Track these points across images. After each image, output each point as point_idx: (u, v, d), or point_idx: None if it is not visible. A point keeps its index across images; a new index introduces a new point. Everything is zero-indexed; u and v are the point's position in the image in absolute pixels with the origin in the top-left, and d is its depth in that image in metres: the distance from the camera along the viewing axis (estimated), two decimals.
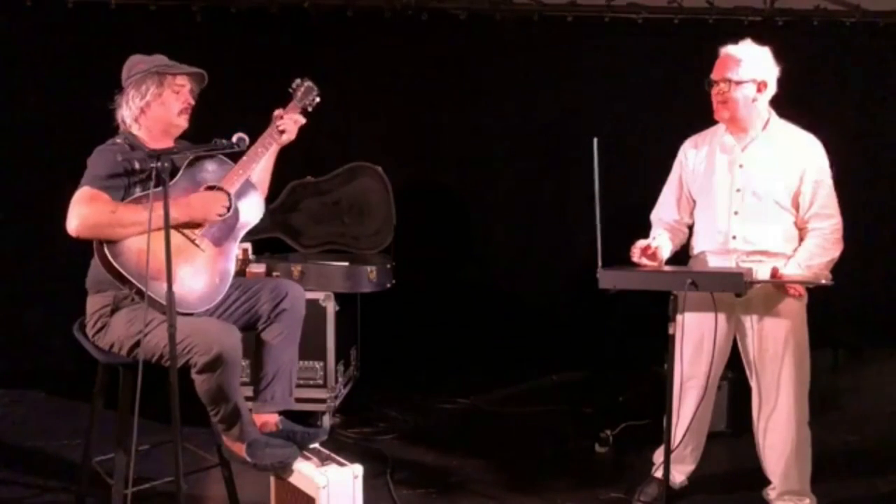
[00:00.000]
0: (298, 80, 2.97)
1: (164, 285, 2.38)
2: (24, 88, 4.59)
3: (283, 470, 2.65)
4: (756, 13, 4.84)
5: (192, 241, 2.64)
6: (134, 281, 2.49)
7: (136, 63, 2.76)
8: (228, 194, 2.72)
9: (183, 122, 2.78)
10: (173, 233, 2.47)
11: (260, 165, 2.85)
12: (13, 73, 4.58)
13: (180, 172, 2.70)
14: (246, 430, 2.63)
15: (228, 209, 2.72)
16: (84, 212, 2.51)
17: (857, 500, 3.13)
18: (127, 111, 2.75)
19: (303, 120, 2.92)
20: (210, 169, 2.77)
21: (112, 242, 2.51)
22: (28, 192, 4.50)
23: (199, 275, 2.62)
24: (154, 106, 2.72)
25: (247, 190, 2.81)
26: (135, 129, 2.76)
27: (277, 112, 2.89)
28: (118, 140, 2.71)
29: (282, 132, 2.87)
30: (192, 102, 2.79)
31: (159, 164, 2.39)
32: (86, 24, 4.58)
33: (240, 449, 2.64)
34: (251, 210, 2.82)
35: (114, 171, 2.59)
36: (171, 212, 2.44)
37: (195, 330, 2.51)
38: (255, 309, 2.76)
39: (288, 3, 4.70)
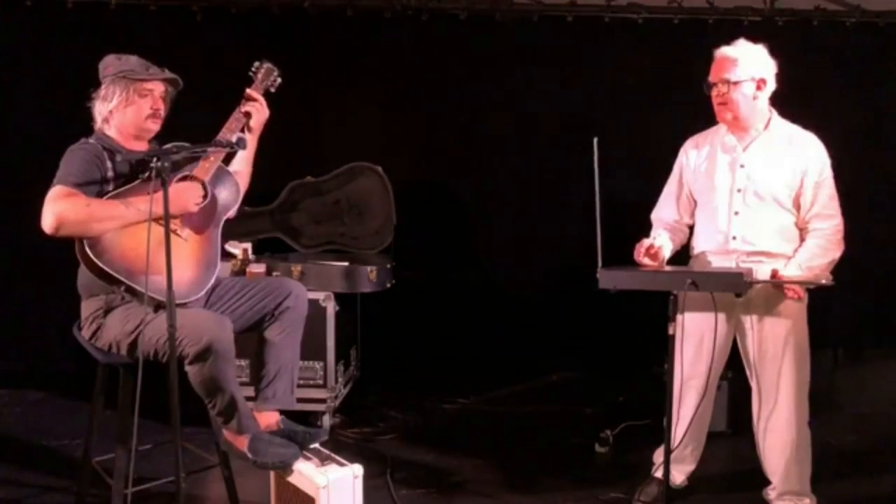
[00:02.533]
0: (258, 63, 2.98)
1: (154, 278, 2.39)
2: (23, 88, 4.59)
3: (283, 469, 2.65)
4: (756, 13, 4.84)
5: (174, 232, 2.61)
6: (122, 278, 2.48)
7: (108, 64, 2.74)
8: (203, 183, 2.71)
9: (152, 126, 2.76)
10: (153, 226, 2.45)
11: (239, 156, 2.88)
12: (13, 73, 4.58)
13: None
14: (245, 423, 2.62)
15: (205, 197, 2.72)
16: (58, 208, 2.49)
17: (857, 500, 3.13)
18: (98, 110, 2.74)
19: (264, 105, 2.90)
20: (182, 163, 2.76)
21: (93, 242, 2.49)
22: (27, 191, 4.48)
23: (185, 265, 2.60)
24: (121, 111, 2.71)
25: (221, 175, 2.81)
26: (107, 130, 2.74)
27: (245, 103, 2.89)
28: (91, 140, 2.70)
29: (247, 114, 2.86)
30: (162, 106, 2.77)
31: (159, 163, 2.38)
32: (86, 24, 4.57)
33: (241, 443, 2.62)
34: (228, 194, 2.82)
35: (87, 171, 2.58)
36: (148, 206, 2.43)
37: (186, 321, 2.49)
38: (259, 307, 2.76)
39: (288, 3, 4.70)
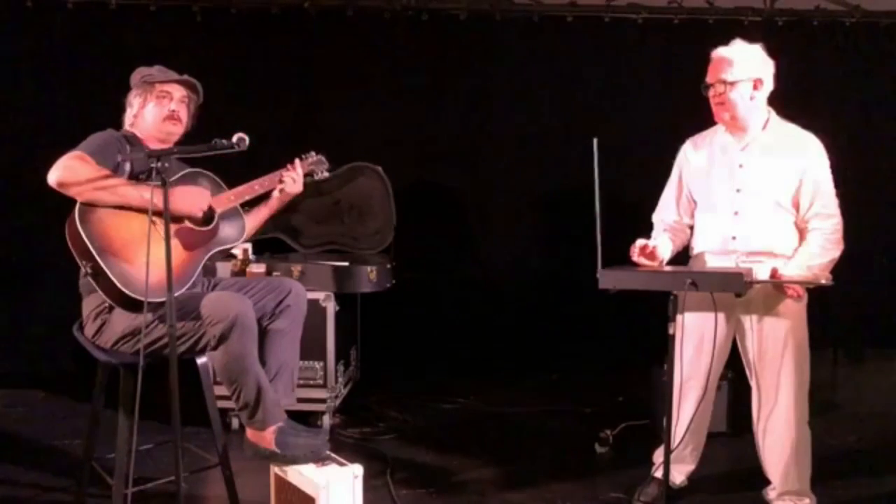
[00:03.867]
0: (313, 153, 3.12)
1: (124, 265, 2.48)
2: (24, 88, 4.59)
3: (315, 460, 2.62)
4: (756, 13, 4.85)
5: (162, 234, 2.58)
6: (92, 251, 2.48)
7: (135, 74, 2.84)
8: (213, 209, 2.74)
9: (171, 128, 2.80)
10: (142, 219, 2.49)
11: (261, 215, 2.99)
12: (13, 73, 4.58)
13: (176, 177, 2.71)
14: (271, 413, 2.60)
15: (210, 221, 2.74)
16: (69, 164, 2.54)
17: (857, 500, 3.12)
18: (126, 117, 2.83)
19: (300, 181, 3.00)
20: (204, 185, 2.79)
21: (85, 210, 2.52)
22: (27, 191, 4.49)
23: (159, 268, 2.50)
24: (141, 115, 2.79)
25: (233, 214, 2.86)
26: (133, 132, 2.82)
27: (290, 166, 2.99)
28: (116, 131, 2.77)
29: (281, 181, 2.95)
30: (180, 109, 2.81)
31: (159, 164, 2.39)
32: (86, 24, 4.58)
33: (267, 441, 2.60)
34: (231, 231, 2.85)
35: (107, 151, 2.63)
36: (153, 197, 2.44)
37: (208, 302, 2.55)
38: (258, 306, 2.75)
39: (288, 3, 4.71)
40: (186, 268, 2.67)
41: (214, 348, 2.55)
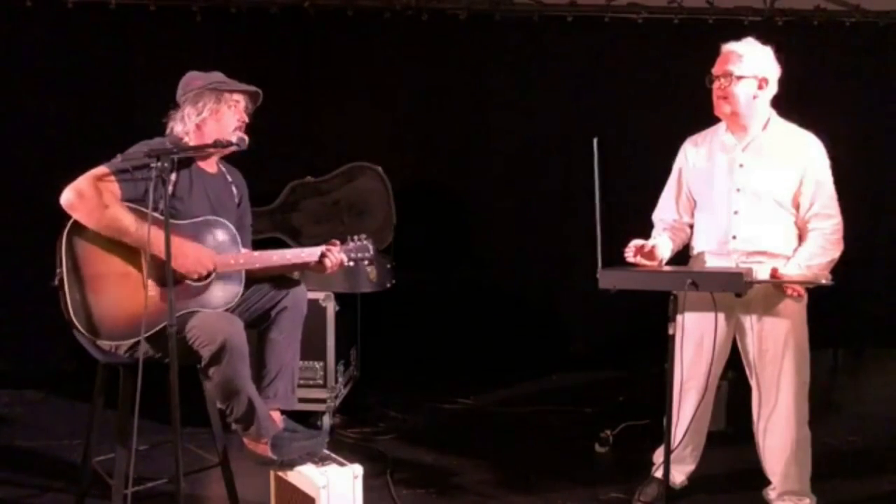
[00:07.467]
0: (364, 236, 2.89)
1: (89, 294, 2.47)
2: (24, 88, 4.59)
3: (312, 460, 2.63)
4: (756, 13, 4.85)
5: (143, 282, 2.53)
6: (64, 269, 2.47)
7: (192, 79, 2.75)
8: (214, 272, 2.62)
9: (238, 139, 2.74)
10: (128, 256, 2.50)
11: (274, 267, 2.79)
12: (13, 73, 4.58)
13: (194, 221, 2.63)
14: (264, 426, 2.61)
15: (203, 279, 2.62)
16: (85, 193, 2.47)
17: (857, 500, 3.13)
18: (181, 127, 2.70)
19: (338, 265, 2.82)
20: (220, 236, 2.67)
21: (78, 229, 2.50)
22: (27, 191, 4.49)
23: (123, 309, 2.52)
24: (210, 122, 2.70)
25: (234, 277, 2.68)
26: (187, 141, 2.71)
27: (328, 247, 2.80)
28: (164, 141, 2.67)
29: (322, 259, 2.78)
30: (247, 120, 2.77)
31: (159, 163, 2.39)
32: (86, 24, 4.58)
33: (263, 449, 2.61)
34: (221, 294, 2.66)
35: (141, 163, 2.52)
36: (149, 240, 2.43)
37: (198, 323, 2.51)
38: (258, 306, 2.75)
39: (288, 3, 4.71)
40: (155, 317, 2.50)
41: (205, 369, 2.53)
